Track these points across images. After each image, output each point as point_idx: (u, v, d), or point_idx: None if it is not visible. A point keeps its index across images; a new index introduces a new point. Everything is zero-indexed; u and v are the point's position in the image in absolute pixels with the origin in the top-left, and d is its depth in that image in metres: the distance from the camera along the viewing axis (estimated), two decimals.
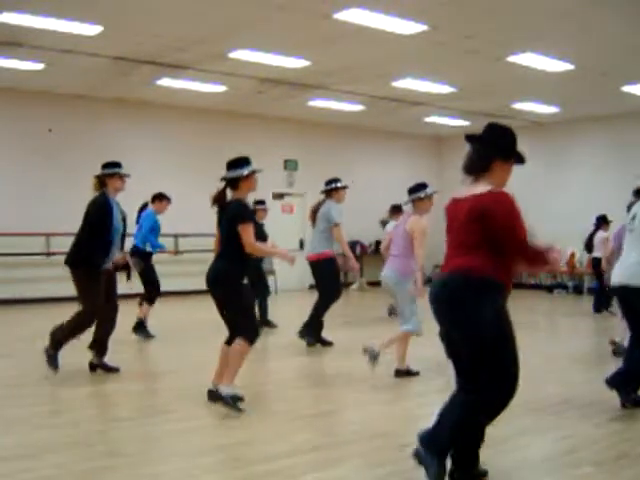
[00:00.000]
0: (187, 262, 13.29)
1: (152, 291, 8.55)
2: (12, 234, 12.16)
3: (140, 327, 8.47)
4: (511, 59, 10.47)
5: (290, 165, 16.03)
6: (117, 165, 6.47)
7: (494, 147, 3.46)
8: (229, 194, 5.25)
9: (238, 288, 5.15)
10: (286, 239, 14.58)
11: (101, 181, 6.41)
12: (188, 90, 12.73)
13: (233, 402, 5.04)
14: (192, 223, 13.13)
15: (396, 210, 10.73)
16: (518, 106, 14.35)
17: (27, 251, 12.18)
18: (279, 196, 15.87)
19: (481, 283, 3.32)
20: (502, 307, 3.39)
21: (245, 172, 5.16)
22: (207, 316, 9.80)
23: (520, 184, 16.55)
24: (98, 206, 6.28)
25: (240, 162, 5.20)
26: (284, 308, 12.01)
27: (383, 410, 5.38)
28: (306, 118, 15.67)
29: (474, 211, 3.33)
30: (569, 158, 15.88)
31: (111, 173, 6.41)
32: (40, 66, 10.91)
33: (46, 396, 5.75)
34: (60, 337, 6.13)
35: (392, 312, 10.14)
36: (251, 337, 5.05)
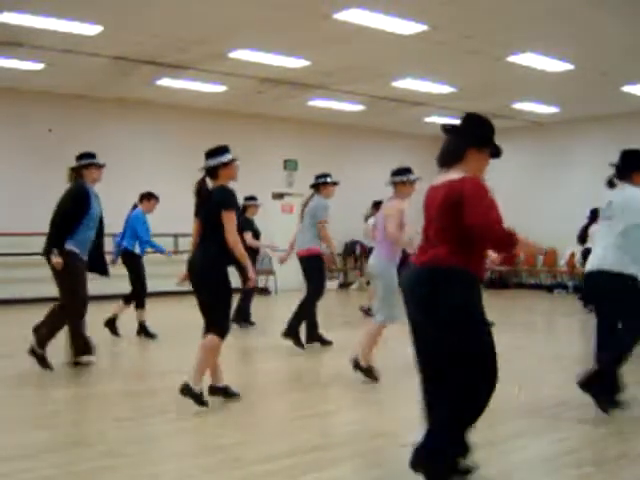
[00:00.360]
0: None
1: (140, 292, 8.45)
2: (12, 234, 12.16)
3: (143, 329, 8.47)
4: (511, 59, 10.48)
5: (290, 165, 16.03)
6: (92, 156, 6.43)
7: (469, 136, 3.42)
8: (209, 184, 5.18)
9: (222, 278, 5.03)
10: (286, 239, 14.55)
11: (77, 173, 6.37)
12: (188, 90, 12.74)
13: (200, 401, 4.99)
14: (192, 222, 13.13)
15: (378, 205, 10.75)
16: (518, 106, 14.35)
17: (27, 251, 12.18)
18: (279, 196, 15.87)
19: (450, 274, 3.26)
20: (474, 297, 3.31)
21: (224, 159, 5.10)
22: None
23: (520, 184, 16.48)
24: (75, 193, 6.26)
25: (219, 150, 5.15)
26: (284, 308, 12.00)
27: (383, 410, 5.38)
28: (306, 118, 15.67)
29: (449, 197, 3.28)
30: (569, 158, 15.88)
31: (87, 164, 6.37)
32: (40, 66, 10.91)
33: (46, 396, 5.75)
34: (44, 334, 6.18)
35: (367, 313, 10.15)
36: (223, 332, 5.00)
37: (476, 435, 4.55)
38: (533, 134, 16.58)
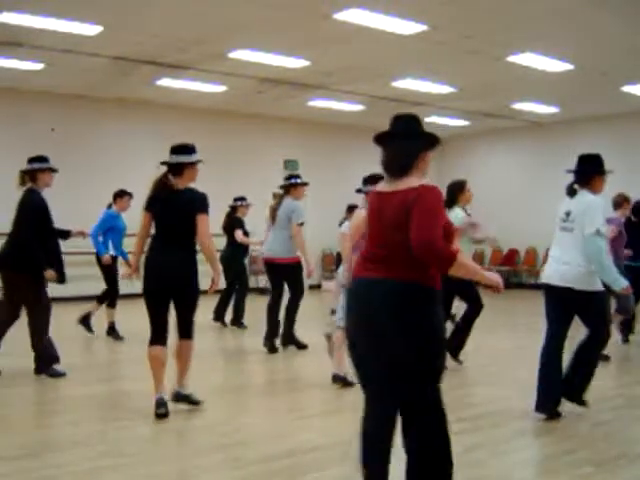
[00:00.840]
0: None
1: (109, 295, 8.49)
2: None
3: (112, 330, 8.54)
4: (511, 59, 10.48)
5: (290, 165, 16.00)
6: (46, 159, 6.32)
7: (419, 140, 3.29)
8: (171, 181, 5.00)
9: (198, 283, 4.98)
10: None
11: (31, 176, 6.22)
12: (188, 90, 12.74)
13: (193, 401, 5.11)
14: None
15: (352, 209, 10.64)
16: (518, 106, 14.35)
17: None
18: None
19: (414, 291, 3.05)
20: (437, 313, 3.12)
21: (193, 159, 4.96)
22: (203, 317, 9.80)
23: (520, 184, 16.38)
24: (37, 203, 6.13)
25: (188, 149, 4.99)
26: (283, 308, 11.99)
27: None
28: (306, 118, 15.67)
29: (406, 203, 3.06)
30: (569, 158, 15.77)
31: (43, 168, 6.25)
32: (40, 66, 10.91)
33: (46, 396, 5.75)
34: (41, 348, 6.15)
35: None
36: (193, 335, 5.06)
37: (476, 435, 4.56)
38: (533, 134, 16.56)
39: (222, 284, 9.91)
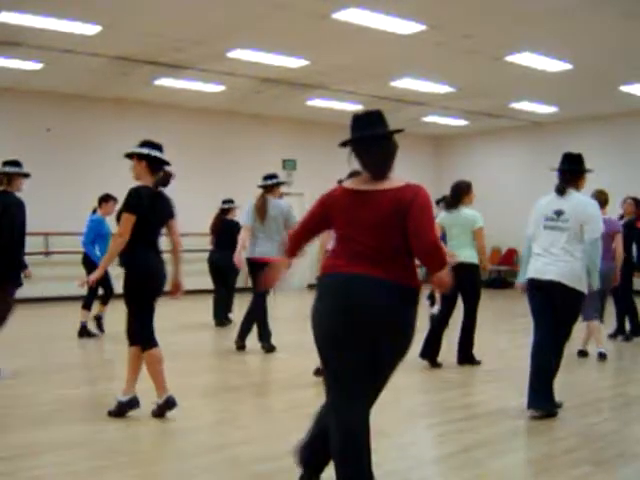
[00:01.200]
0: (186, 262, 13.27)
1: (90, 295, 8.56)
2: None
3: (97, 321, 8.67)
4: (510, 59, 10.49)
5: (289, 165, 16.02)
6: (20, 164, 6.31)
7: (392, 137, 3.29)
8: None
9: None
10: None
11: (8, 179, 6.18)
12: (188, 90, 12.75)
13: (174, 404, 4.95)
14: (192, 222, 13.09)
15: None
16: (517, 106, 14.36)
17: (26, 251, 12.17)
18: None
19: (408, 294, 3.04)
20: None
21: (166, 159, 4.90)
22: (201, 316, 9.81)
23: (520, 184, 16.34)
24: (20, 207, 6.12)
25: (161, 147, 4.91)
26: (284, 308, 12.01)
27: (382, 409, 5.37)
28: (305, 118, 15.68)
29: (399, 202, 3.03)
30: None
31: (18, 173, 6.23)
32: (40, 66, 10.91)
33: (46, 396, 5.75)
34: None
35: None
36: None
37: (474, 435, 4.57)
38: (532, 134, 16.57)
39: (208, 284, 10.03)
